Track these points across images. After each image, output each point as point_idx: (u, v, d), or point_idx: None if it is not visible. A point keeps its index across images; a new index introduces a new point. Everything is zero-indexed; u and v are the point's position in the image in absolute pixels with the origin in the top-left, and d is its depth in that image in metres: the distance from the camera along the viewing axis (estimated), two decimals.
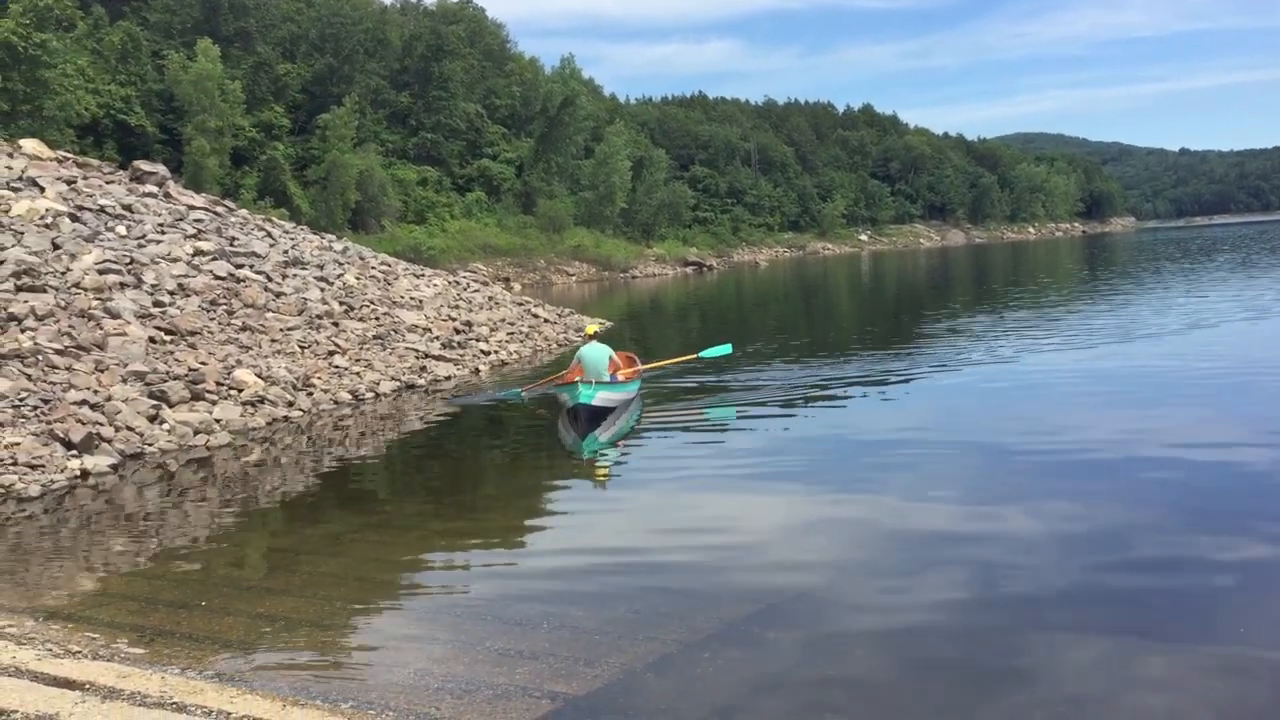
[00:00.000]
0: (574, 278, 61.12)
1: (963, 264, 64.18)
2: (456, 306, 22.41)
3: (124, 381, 12.30)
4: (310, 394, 14.30)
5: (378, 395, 15.33)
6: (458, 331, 20.21)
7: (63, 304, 13.57)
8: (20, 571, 7.67)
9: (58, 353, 12.25)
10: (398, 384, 16.01)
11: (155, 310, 14.73)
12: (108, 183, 19.57)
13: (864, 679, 5.20)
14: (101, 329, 13.34)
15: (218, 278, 16.99)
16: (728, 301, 42.06)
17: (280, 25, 63.62)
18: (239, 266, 17.95)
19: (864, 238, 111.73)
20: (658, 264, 70.96)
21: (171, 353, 13.70)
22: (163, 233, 17.86)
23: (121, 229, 17.24)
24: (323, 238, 23.91)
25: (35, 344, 12.21)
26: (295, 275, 19.12)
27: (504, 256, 59.48)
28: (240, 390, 13.31)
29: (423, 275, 24.62)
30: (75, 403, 11.21)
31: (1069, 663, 5.24)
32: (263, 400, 13.36)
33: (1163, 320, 20.98)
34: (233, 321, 15.73)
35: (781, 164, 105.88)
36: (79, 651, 5.67)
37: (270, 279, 18.17)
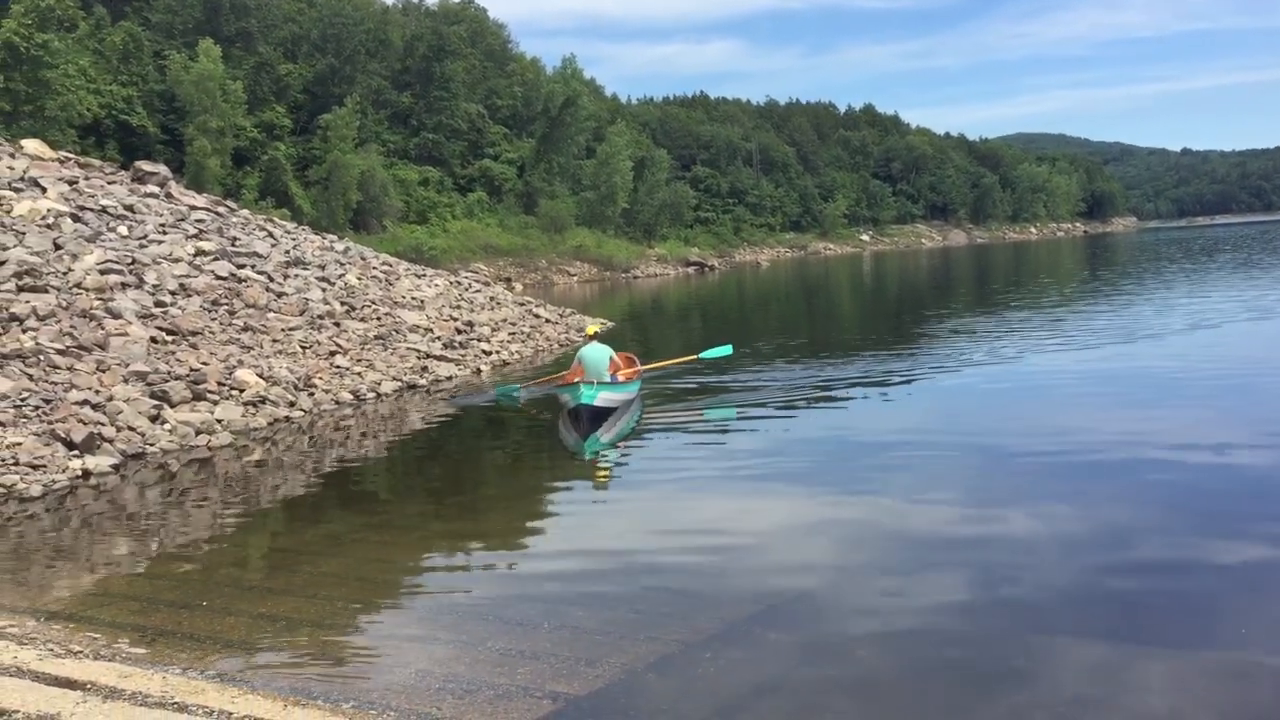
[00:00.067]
0: (575, 278, 61.11)
1: (964, 264, 64.16)
2: (458, 307, 22.41)
3: (125, 381, 12.31)
4: (312, 394, 14.31)
5: (379, 395, 15.34)
6: (459, 332, 20.21)
7: (64, 304, 13.58)
8: (22, 571, 7.67)
9: (59, 353, 12.26)
10: (399, 384, 16.01)
11: (157, 310, 14.74)
12: (109, 183, 19.58)
13: (865, 680, 5.20)
14: (103, 329, 13.35)
15: (219, 278, 17.00)
16: (729, 302, 42.06)
17: (282, 25, 63.63)
18: (240, 267, 17.96)
19: (866, 238, 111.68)
20: (659, 264, 70.96)
21: (173, 353, 13.71)
22: (164, 233, 17.87)
23: (123, 229, 17.25)
24: (324, 238, 23.92)
25: (37, 344, 12.22)
26: (297, 275, 19.12)
27: (505, 257, 59.49)
28: (242, 390, 13.32)
29: (424, 275, 24.63)
30: (77, 403, 11.22)
31: (1070, 665, 5.23)
32: (264, 400, 13.36)
33: (1165, 320, 20.97)
34: (234, 321, 15.74)
35: (783, 164, 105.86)
36: (80, 651, 5.67)
37: (272, 279, 18.18)
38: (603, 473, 10.65)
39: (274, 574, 7.48)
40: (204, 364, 13.59)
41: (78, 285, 14.34)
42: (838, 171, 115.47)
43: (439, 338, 19.29)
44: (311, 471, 10.91)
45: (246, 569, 7.68)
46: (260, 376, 13.90)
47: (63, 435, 10.53)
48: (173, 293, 15.58)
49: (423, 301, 21.39)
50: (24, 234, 15.15)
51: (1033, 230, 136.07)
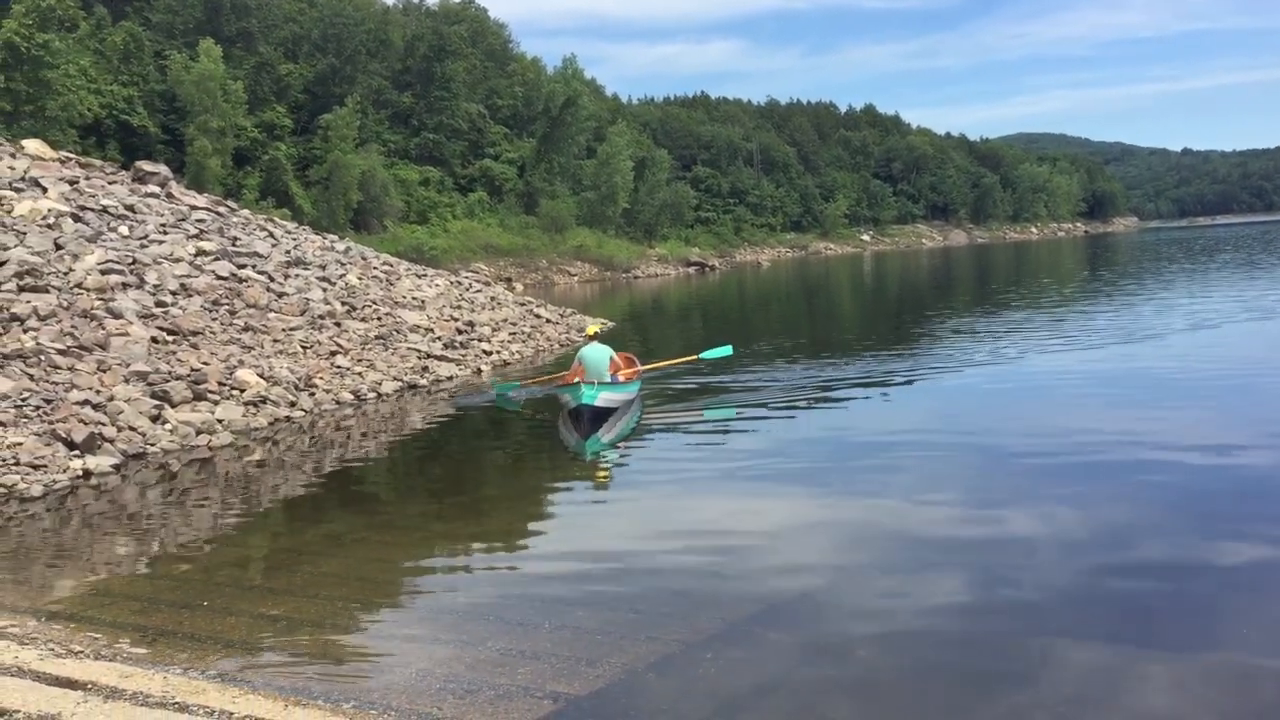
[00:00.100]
0: (576, 278, 61.12)
1: (965, 264, 64.15)
2: (459, 307, 22.41)
3: (126, 381, 12.31)
4: (312, 394, 14.32)
5: (380, 395, 15.34)
6: (460, 332, 20.22)
7: (65, 304, 13.59)
8: (23, 571, 7.67)
9: (60, 353, 12.27)
10: (400, 384, 16.02)
11: (157, 310, 14.74)
12: (110, 183, 19.59)
13: (865, 680, 5.20)
14: (104, 329, 13.36)
15: (220, 278, 17.00)
16: (730, 302, 42.06)
17: (282, 25, 63.64)
18: (241, 267, 17.97)
19: (866, 238, 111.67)
20: (660, 264, 70.97)
21: (174, 353, 13.71)
22: (165, 233, 17.88)
23: (124, 229, 17.26)
24: (325, 238, 23.93)
25: (38, 344, 12.22)
26: (297, 275, 19.13)
27: (506, 257, 59.49)
28: (242, 390, 13.32)
29: (425, 275, 24.63)
30: (77, 403, 11.22)
31: (1070, 665, 5.23)
32: (265, 400, 13.37)
33: (1166, 321, 20.96)
34: (235, 321, 15.74)
35: (784, 164, 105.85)
36: (81, 651, 5.67)
37: (272, 279, 18.19)
38: (603, 473, 10.65)
39: (275, 574, 7.48)
40: (205, 364, 13.60)
41: (78, 285, 14.35)
42: (838, 171, 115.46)
43: (440, 338, 19.29)
44: (312, 472, 10.92)
45: (247, 569, 7.68)
46: (261, 376, 13.90)
47: (63, 435, 10.54)
48: (173, 293, 15.59)
49: (423, 301, 21.39)
50: (25, 234, 15.16)
51: (1033, 230, 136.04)
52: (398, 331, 18.60)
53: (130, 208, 18.39)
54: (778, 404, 13.54)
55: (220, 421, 12.39)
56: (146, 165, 21.80)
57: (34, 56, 39.86)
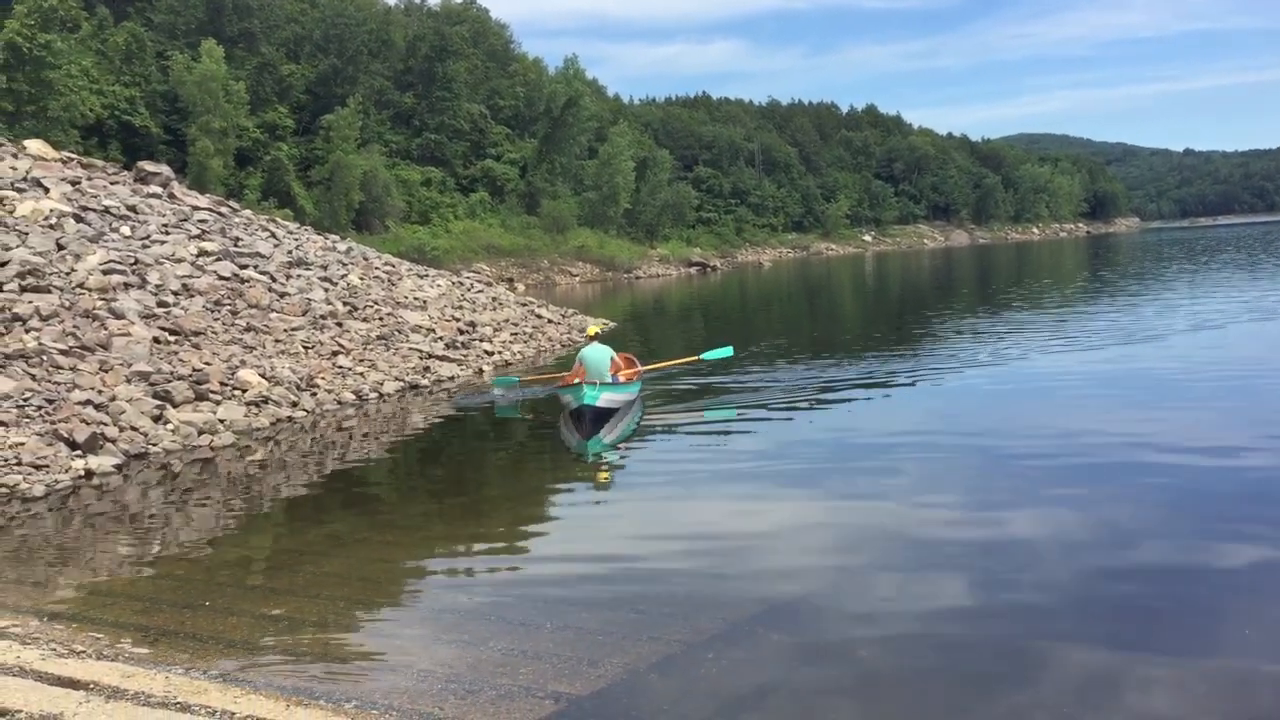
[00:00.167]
0: (577, 278, 61.13)
1: (967, 265, 64.13)
2: (460, 307, 22.42)
3: (128, 382, 12.32)
4: (314, 394, 14.32)
5: (381, 396, 15.35)
6: (461, 332, 20.23)
7: (67, 304, 13.60)
8: (24, 571, 7.68)
9: (62, 353, 12.28)
10: (401, 384, 16.02)
11: (159, 310, 14.75)
12: (112, 183, 19.60)
13: (867, 680, 5.20)
14: (106, 329, 13.37)
15: (222, 278, 17.01)
16: (731, 302, 42.05)
17: (284, 26, 63.69)
18: (243, 267, 17.98)
19: (868, 238, 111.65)
20: (661, 264, 70.99)
21: (176, 353, 13.72)
22: (167, 233, 17.90)
23: (126, 229, 17.27)
24: (327, 238, 23.94)
25: (40, 344, 12.23)
26: (299, 276, 19.14)
27: (508, 257, 59.52)
28: (244, 390, 13.33)
29: (426, 276, 24.64)
30: (79, 403, 11.23)
31: (1071, 667, 5.23)
32: (266, 400, 13.37)
33: (1168, 321, 20.94)
34: (237, 322, 15.75)
35: (785, 164, 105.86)
36: (83, 651, 5.68)
37: (274, 279, 18.20)
38: (605, 474, 10.65)
39: (276, 574, 7.49)
40: (206, 364, 13.61)
41: (80, 285, 14.36)
42: (840, 172, 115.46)
43: (441, 338, 19.30)
44: (314, 472, 10.92)
45: (249, 569, 7.68)
46: (263, 376, 13.91)
47: (66, 435, 10.55)
48: (175, 293, 15.60)
49: (425, 302, 21.40)
50: (27, 234, 15.17)
51: (1035, 231, 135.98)
52: (399, 332, 18.60)
53: (132, 208, 18.40)
54: (779, 405, 13.54)
55: (222, 421, 12.39)
56: (148, 165, 21.81)
57: (36, 57, 39.92)
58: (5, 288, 13.40)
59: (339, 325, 17.65)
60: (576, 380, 12.80)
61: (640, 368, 15.10)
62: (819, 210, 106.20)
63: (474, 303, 23.47)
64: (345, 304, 18.77)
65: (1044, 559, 6.91)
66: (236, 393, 13.22)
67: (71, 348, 12.49)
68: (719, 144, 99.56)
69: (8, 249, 14.41)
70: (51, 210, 16.37)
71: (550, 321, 24.57)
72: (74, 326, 13.08)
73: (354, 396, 14.86)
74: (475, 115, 69.62)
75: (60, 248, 15.22)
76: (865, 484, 9.26)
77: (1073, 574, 6.56)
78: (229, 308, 16.12)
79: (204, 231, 18.92)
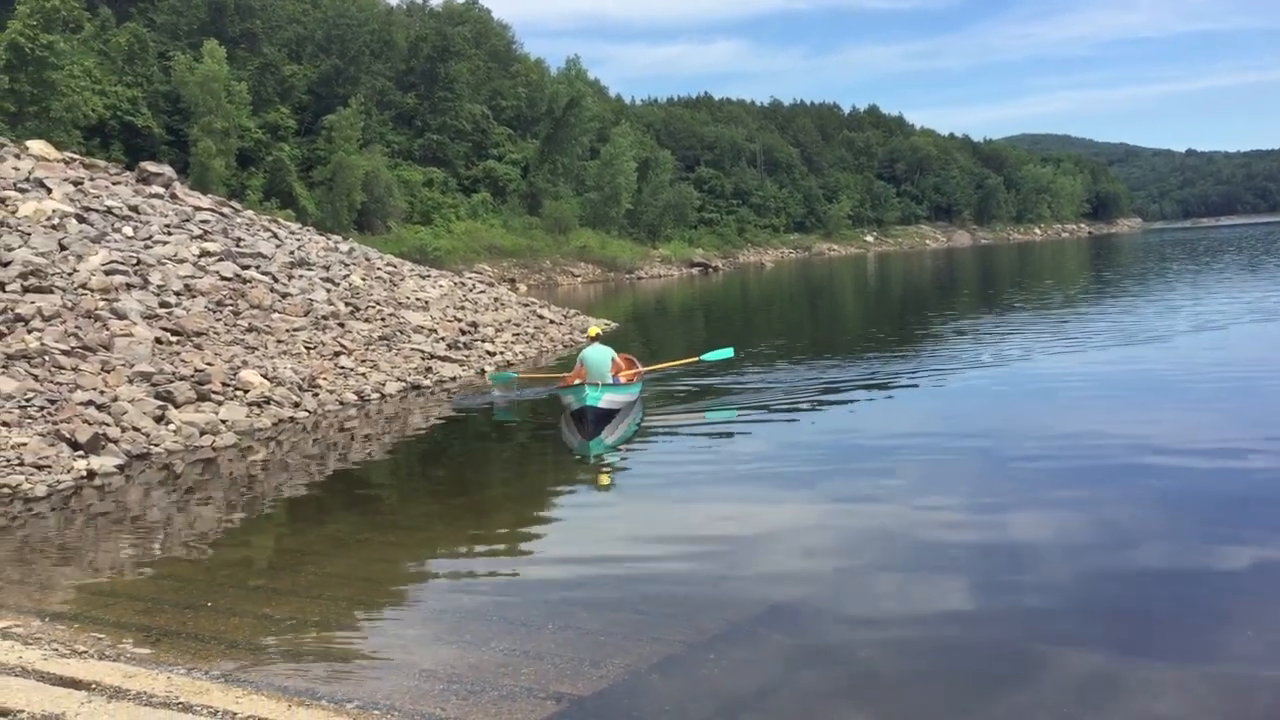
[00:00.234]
0: (579, 279, 61.14)
1: (969, 265, 64.10)
2: (462, 307, 22.43)
3: (130, 382, 12.33)
4: (316, 395, 14.33)
5: (383, 396, 15.36)
6: (463, 332, 20.23)
7: (69, 305, 13.61)
8: (27, 572, 7.69)
9: (64, 353, 12.29)
10: (403, 385, 16.03)
11: (161, 311, 14.76)
12: (114, 184, 19.62)
13: (868, 681, 5.20)
14: (108, 330, 13.38)
15: (224, 278, 17.03)
16: (733, 303, 42.05)
17: (286, 26, 63.69)
18: (245, 267, 17.99)
19: (870, 239, 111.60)
20: (663, 265, 70.97)
21: (178, 353, 13.73)
22: (169, 234, 17.91)
23: (128, 230, 17.29)
24: (328, 239, 23.95)
25: (42, 344, 12.25)
26: (301, 276, 19.15)
27: (509, 257, 59.52)
28: (246, 391, 13.34)
29: (428, 276, 24.65)
30: (82, 403, 11.25)
31: (1072, 668, 5.22)
32: (268, 401, 13.38)
33: (1170, 323, 20.92)
34: (239, 322, 15.77)
35: (787, 165, 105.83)
36: (85, 651, 5.68)
37: (276, 280, 18.21)
38: (606, 475, 10.65)
39: (278, 574, 7.49)
40: (209, 364, 13.62)
41: (83, 286, 14.38)
42: (842, 172, 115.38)
43: (443, 338, 19.31)
44: (316, 472, 10.93)
45: (251, 569, 7.69)
46: (265, 377, 13.92)
47: (68, 436, 10.56)
48: (177, 293, 15.61)
49: (427, 302, 21.41)
50: (29, 235, 15.19)
51: (1037, 231, 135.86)
52: (401, 332, 18.61)
53: (134, 208, 18.42)
54: (780, 406, 13.54)
55: (224, 422, 12.41)
56: (150, 166, 21.83)
57: (39, 57, 39.96)
58: (8, 288, 13.41)
59: (341, 326, 17.66)
60: (577, 381, 12.81)
61: (641, 369, 15.10)
62: (821, 211, 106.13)
63: (476, 303, 23.48)
64: (347, 304, 18.78)
65: (1045, 561, 6.91)
66: (238, 393, 13.23)
67: (74, 348, 12.50)
68: (721, 144, 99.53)
69: (10, 249, 14.43)
70: (54, 211, 16.39)
71: (552, 322, 24.58)
72: (76, 327, 13.09)
73: (356, 397, 14.87)
74: (477, 116, 69.63)
75: (63, 248, 15.23)
76: (867, 485, 9.26)
77: (1074, 576, 6.56)
78: (231, 308, 16.14)
79: (206, 232, 18.94)
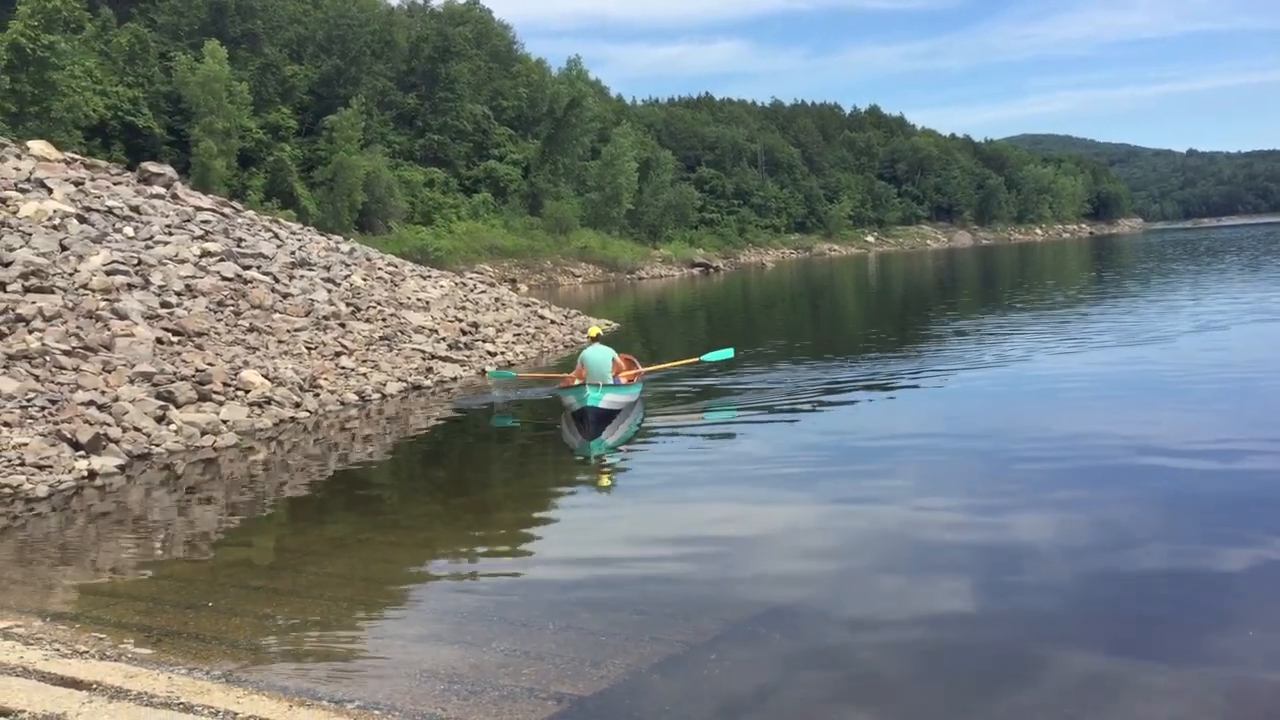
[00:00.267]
0: (580, 279, 61.14)
1: (970, 266, 64.09)
2: (463, 308, 22.43)
3: (131, 382, 12.34)
4: (317, 395, 14.33)
5: (384, 396, 15.36)
6: (464, 333, 20.24)
7: (70, 305, 13.62)
8: (28, 572, 7.69)
9: (65, 353, 12.30)
10: (404, 385, 16.03)
11: (163, 311, 14.77)
12: (115, 184, 19.62)
13: (869, 681, 5.20)
14: (109, 330, 13.38)
15: (225, 279, 17.03)
16: (734, 303, 42.05)
17: (287, 27, 63.72)
18: (246, 268, 18.00)
19: (870, 239, 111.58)
20: (664, 265, 70.98)
21: (179, 353, 13.74)
22: (170, 234, 17.92)
23: (129, 230, 17.29)
24: (329, 239, 23.96)
25: (43, 345, 12.25)
26: (302, 276, 19.16)
27: (510, 258, 59.52)
28: (247, 391, 13.34)
29: (429, 276, 24.65)
30: (83, 403, 11.25)
31: (1073, 669, 5.22)
32: (269, 401, 13.39)
33: (1171, 323, 20.91)
34: (240, 322, 15.77)
35: (788, 165, 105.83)
36: (86, 651, 5.69)
37: (277, 280, 18.21)
38: (607, 475, 10.65)
39: (279, 575, 7.49)
40: (209, 365, 13.62)
41: (84, 286, 14.38)
42: (843, 173, 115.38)
43: (444, 339, 19.31)
44: (317, 472, 10.93)
45: (252, 570, 7.69)
46: (266, 377, 13.92)
47: (69, 436, 10.56)
48: (178, 293, 15.62)
49: (428, 303, 21.41)
50: (30, 235, 15.19)
51: (1038, 231, 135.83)
52: (402, 332, 18.62)
53: (135, 209, 18.42)
54: (781, 407, 13.54)
55: (225, 422, 12.41)
56: (151, 166, 21.83)
57: (39, 58, 39.98)
58: (9, 288, 13.42)
59: (342, 326, 17.67)
60: (578, 381, 12.81)
61: (641, 369, 15.10)
62: (822, 211, 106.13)
63: (477, 303, 23.48)
64: (348, 305, 18.79)
65: (1046, 562, 6.91)
66: (239, 393, 13.24)
67: (75, 348, 12.50)
68: (722, 145, 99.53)
69: (11, 250, 14.44)
70: (55, 211, 16.40)
71: (553, 322, 24.59)
72: (77, 327, 13.10)
73: (357, 397, 14.87)
74: (478, 116, 69.66)
75: (64, 248, 15.24)
76: (868, 486, 9.26)
77: (1075, 576, 6.56)
78: (232, 308, 16.14)
79: (207, 232, 18.94)
